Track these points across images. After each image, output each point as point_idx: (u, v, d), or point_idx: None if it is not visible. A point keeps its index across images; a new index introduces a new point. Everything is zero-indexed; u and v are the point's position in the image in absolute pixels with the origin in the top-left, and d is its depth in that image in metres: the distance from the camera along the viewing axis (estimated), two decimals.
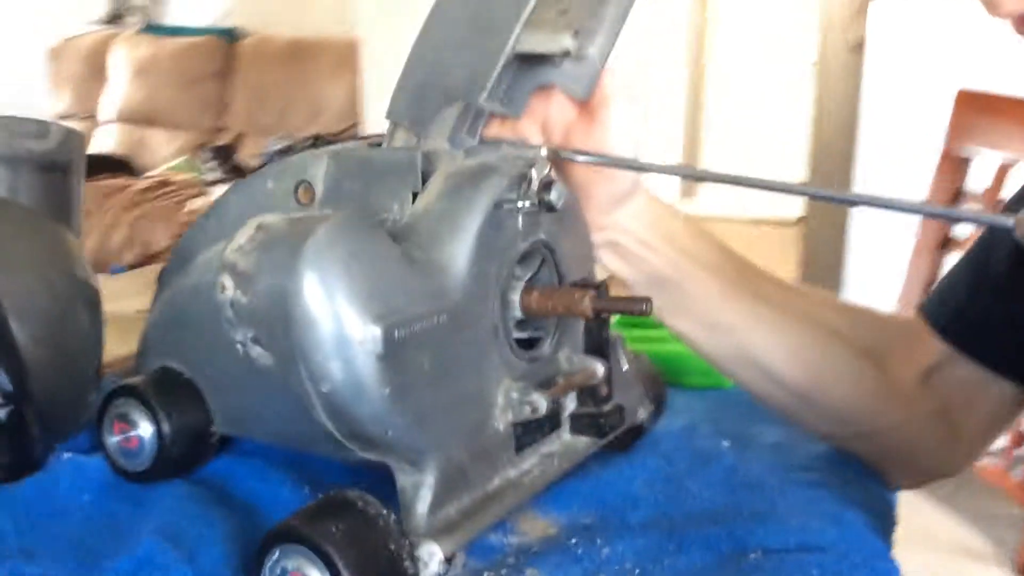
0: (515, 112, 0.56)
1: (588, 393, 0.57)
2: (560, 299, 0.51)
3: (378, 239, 0.44)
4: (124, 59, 3.92)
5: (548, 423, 0.55)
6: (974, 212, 0.40)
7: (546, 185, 0.50)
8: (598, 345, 0.57)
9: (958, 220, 0.42)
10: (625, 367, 0.62)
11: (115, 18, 4.30)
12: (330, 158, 0.52)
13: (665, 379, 0.77)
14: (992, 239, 0.59)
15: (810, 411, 0.62)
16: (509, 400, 0.50)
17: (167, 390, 0.56)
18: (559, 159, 0.54)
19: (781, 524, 0.54)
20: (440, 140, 0.53)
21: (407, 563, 0.42)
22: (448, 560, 0.45)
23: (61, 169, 0.56)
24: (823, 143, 3.07)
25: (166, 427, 0.55)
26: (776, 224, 5.45)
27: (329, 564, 0.40)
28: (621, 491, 0.59)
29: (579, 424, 0.57)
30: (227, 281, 0.42)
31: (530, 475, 0.52)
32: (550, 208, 0.51)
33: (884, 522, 0.58)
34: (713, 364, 0.63)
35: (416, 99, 0.49)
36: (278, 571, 0.42)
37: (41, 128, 0.55)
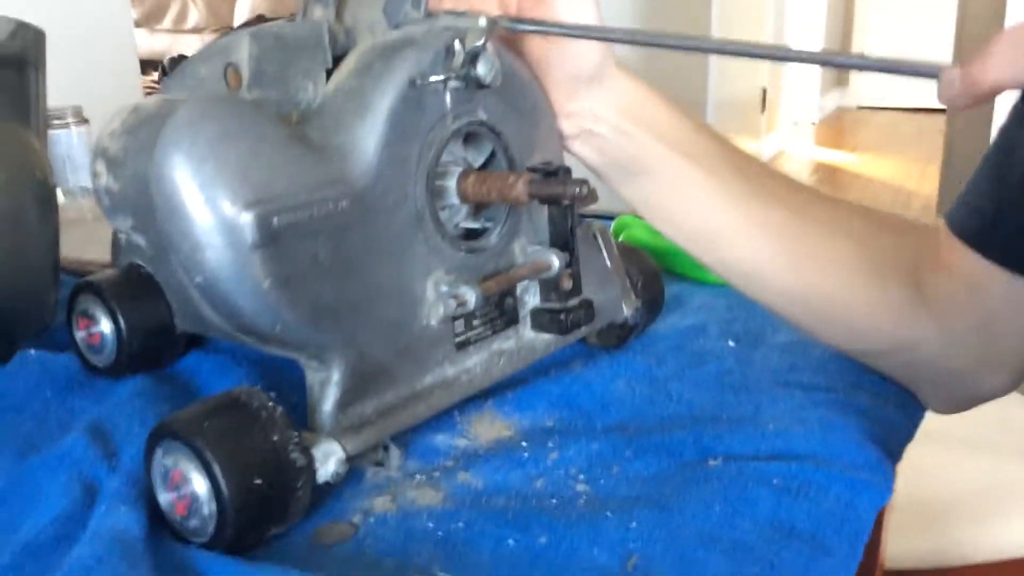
0: None
1: (550, 287, 0.52)
2: (494, 184, 0.47)
3: (256, 120, 0.40)
4: None
5: (501, 318, 0.51)
6: (906, 63, 0.33)
7: (472, 58, 0.45)
8: (561, 236, 0.52)
9: (888, 71, 0.34)
10: (607, 261, 0.57)
11: None
12: (250, 38, 0.48)
13: (682, 275, 0.72)
14: (1010, 140, 0.49)
15: (822, 324, 0.55)
16: (439, 294, 0.47)
17: (126, 287, 0.55)
18: (507, 31, 0.49)
19: (757, 430, 0.49)
20: (370, 11, 0.49)
21: (295, 456, 0.40)
22: (353, 458, 0.43)
23: (14, 64, 0.55)
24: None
25: (123, 323, 0.55)
26: (927, 112, 5.08)
27: (202, 459, 0.38)
28: (597, 392, 0.55)
29: (539, 320, 0.53)
30: (100, 167, 0.40)
31: (472, 374, 0.49)
32: (479, 84, 0.46)
33: (892, 433, 0.52)
34: (708, 269, 0.56)
35: None
36: (162, 469, 0.40)
37: None
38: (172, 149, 0.38)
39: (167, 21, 4.05)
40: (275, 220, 0.39)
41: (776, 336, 0.62)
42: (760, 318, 0.65)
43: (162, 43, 3.93)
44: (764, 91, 5.27)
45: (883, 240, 0.55)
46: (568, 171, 0.50)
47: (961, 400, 0.57)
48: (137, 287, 0.55)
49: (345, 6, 0.48)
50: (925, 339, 0.54)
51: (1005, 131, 0.49)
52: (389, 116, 0.44)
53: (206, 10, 4.15)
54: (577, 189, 0.45)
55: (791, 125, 5.49)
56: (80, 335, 0.57)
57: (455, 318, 0.48)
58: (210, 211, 0.38)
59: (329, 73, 0.46)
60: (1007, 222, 0.50)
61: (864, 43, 6.32)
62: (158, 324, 0.55)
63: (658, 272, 0.62)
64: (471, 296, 0.46)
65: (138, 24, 3.85)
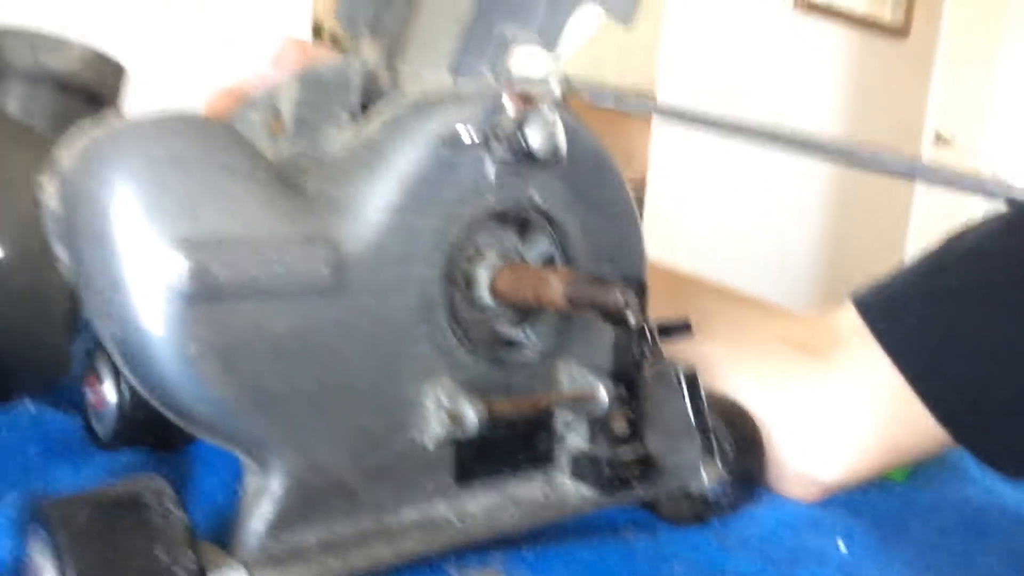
0: (549, 44, 0.43)
1: (599, 427, 0.41)
2: (530, 280, 0.37)
3: (226, 148, 0.33)
4: None
5: (526, 454, 0.41)
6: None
7: (521, 121, 0.37)
8: (623, 365, 0.41)
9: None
10: (687, 411, 0.45)
11: None
12: (297, 80, 0.42)
13: None
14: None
15: None
16: (439, 405, 0.37)
17: None
18: (581, 99, 0.40)
19: None
20: (431, 65, 0.41)
21: None
22: None
23: (84, 93, 0.52)
24: None
25: (127, 389, 0.48)
26: None
27: (57, 555, 0.30)
28: (640, 572, 0.42)
29: (580, 467, 0.41)
30: (48, 182, 0.34)
31: (472, 519, 0.38)
32: (529, 155, 0.37)
33: None
34: None
35: None
36: (26, 555, 0.32)
37: (65, 47, 0.51)
38: (108, 165, 0.31)
39: None
40: (218, 270, 0.31)
41: (902, 545, 0.47)
42: (894, 518, 0.50)
43: None
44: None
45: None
46: (641, 287, 0.40)
47: None
48: None
49: (402, 52, 0.41)
50: None
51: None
52: (407, 175, 0.35)
53: None
54: (626, 299, 0.35)
55: None
56: (89, 396, 0.51)
57: (459, 443, 0.38)
58: (136, 242, 0.31)
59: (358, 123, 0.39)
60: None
61: None
62: None
63: (761, 442, 0.49)
64: (470, 415, 0.36)
65: None
